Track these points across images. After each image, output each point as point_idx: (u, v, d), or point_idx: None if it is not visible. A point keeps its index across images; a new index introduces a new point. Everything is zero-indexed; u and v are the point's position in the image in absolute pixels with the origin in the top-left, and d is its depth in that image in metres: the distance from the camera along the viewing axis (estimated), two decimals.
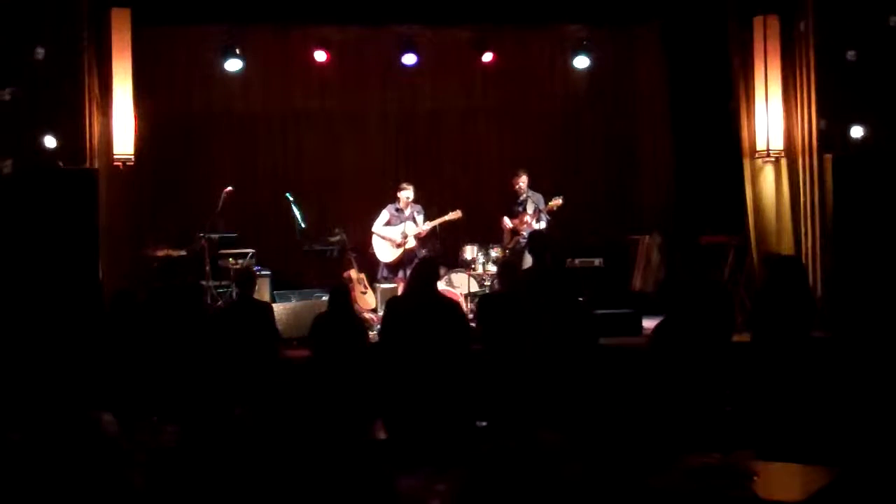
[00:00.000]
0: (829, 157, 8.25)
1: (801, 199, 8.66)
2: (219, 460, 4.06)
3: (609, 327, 7.61)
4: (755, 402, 5.63)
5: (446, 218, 9.57)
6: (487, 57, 10.74)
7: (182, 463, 4.14)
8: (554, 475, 3.79)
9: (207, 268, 9.01)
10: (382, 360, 6.85)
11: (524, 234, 9.39)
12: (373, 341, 7.64)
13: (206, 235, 9.08)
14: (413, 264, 8.13)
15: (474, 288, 9.48)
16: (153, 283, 8.19)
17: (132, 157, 8.31)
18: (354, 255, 9.69)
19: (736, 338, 6.38)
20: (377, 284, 9.63)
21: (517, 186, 9.72)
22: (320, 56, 10.53)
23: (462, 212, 9.60)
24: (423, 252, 9.62)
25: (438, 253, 9.61)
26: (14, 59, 7.59)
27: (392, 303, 7.19)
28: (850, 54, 8.12)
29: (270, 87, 10.99)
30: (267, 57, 10.80)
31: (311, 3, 9.93)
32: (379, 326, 8.45)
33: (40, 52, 7.57)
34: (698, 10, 9.69)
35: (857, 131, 8.21)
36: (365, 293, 9.54)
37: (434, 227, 9.61)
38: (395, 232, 9.60)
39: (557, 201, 9.44)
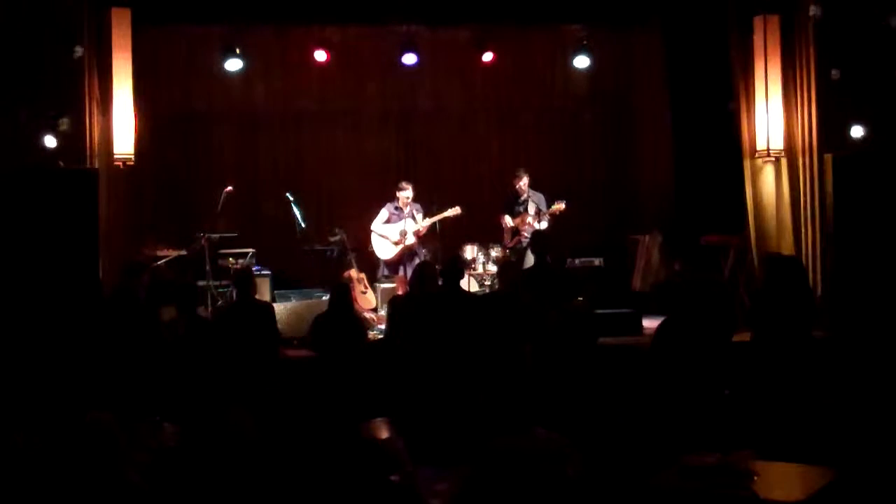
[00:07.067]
0: (829, 157, 8.25)
1: (801, 199, 8.66)
2: (219, 460, 4.06)
3: (609, 327, 7.61)
4: (755, 402, 5.63)
5: (446, 214, 9.55)
6: (487, 57, 10.73)
7: (182, 463, 4.14)
8: (554, 474, 3.79)
9: (208, 267, 9.01)
10: (387, 359, 6.85)
11: (525, 233, 9.37)
12: (373, 341, 7.64)
13: (207, 235, 9.07)
14: (413, 266, 8.12)
15: (474, 288, 9.46)
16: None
17: (132, 156, 8.30)
18: (354, 254, 9.69)
19: (736, 337, 6.38)
20: (377, 284, 9.63)
21: (518, 186, 9.69)
22: (320, 56, 10.52)
23: (462, 211, 9.59)
24: (424, 251, 9.62)
25: (438, 254, 9.61)
26: (14, 60, 7.58)
27: (395, 302, 7.18)
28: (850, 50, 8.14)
29: (270, 87, 10.99)
30: (267, 57, 10.79)
31: (311, 3, 9.92)
32: (380, 326, 8.48)
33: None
34: (698, 10, 9.68)
35: (857, 131, 8.21)
36: (365, 293, 9.53)
37: (434, 226, 9.58)
38: (393, 229, 9.58)
39: (560, 206, 9.40)
